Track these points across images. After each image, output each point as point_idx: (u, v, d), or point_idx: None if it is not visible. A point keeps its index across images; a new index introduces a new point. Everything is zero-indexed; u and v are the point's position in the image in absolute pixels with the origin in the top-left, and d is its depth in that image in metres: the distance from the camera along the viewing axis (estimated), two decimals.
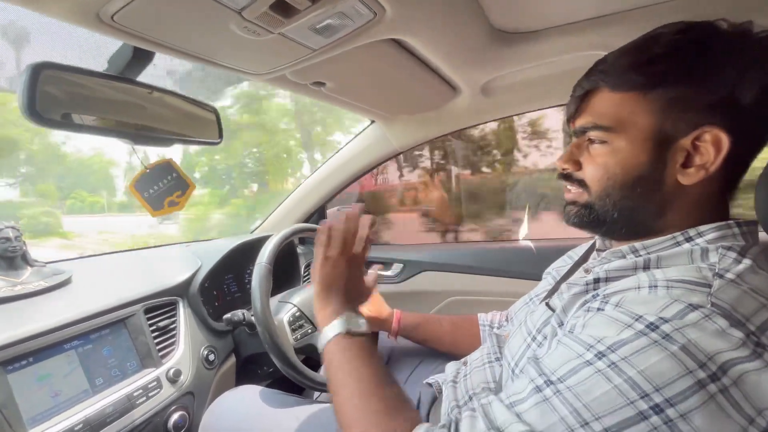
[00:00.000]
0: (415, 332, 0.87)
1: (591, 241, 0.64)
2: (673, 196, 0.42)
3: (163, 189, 0.66)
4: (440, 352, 0.87)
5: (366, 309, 0.87)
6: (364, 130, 1.25)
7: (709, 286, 0.35)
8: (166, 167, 0.68)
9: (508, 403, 0.38)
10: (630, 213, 0.44)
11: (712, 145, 0.39)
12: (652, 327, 0.33)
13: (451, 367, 0.75)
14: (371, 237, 0.61)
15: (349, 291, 0.59)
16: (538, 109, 1.05)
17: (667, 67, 0.40)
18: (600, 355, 0.34)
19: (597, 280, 0.45)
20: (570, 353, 0.37)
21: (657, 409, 0.31)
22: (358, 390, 0.48)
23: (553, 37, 0.73)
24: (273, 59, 0.63)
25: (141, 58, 0.60)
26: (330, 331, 0.54)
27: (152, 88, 0.66)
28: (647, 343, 0.33)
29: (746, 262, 0.37)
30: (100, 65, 0.62)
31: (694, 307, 0.33)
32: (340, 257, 0.58)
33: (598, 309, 0.39)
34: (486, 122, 1.14)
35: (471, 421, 0.39)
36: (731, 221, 0.41)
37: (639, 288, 0.38)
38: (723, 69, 0.38)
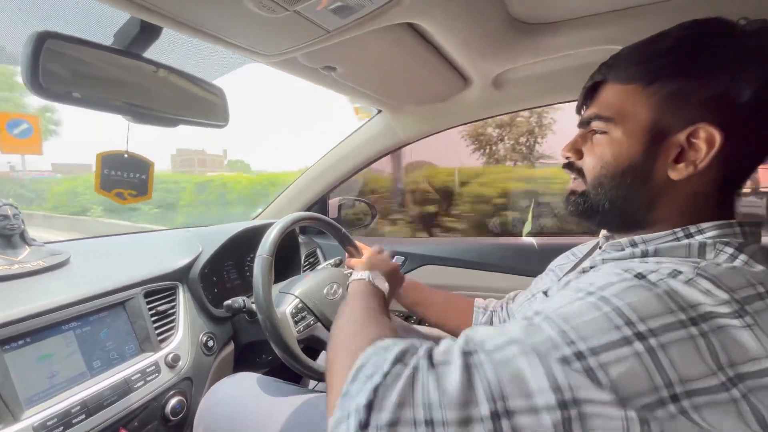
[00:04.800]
0: (409, 292, 0.88)
1: (595, 240, 0.64)
2: (663, 190, 0.43)
3: (123, 179, 0.65)
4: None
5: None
6: (370, 119, 1.23)
7: (697, 262, 0.36)
8: (142, 166, 0.67)
9: (496, 331, 0.37)
10: (621, 203, 0.45)
11: (704, 142, 0.39)
12: (639, 276, 0.35)
13: None
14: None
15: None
16: (550, 104, 1.04)
17: (667, 61, 0.41)
18: (589, 293, 0.35)
19: (592, 267, 0.46)
20: (560, 298, 0.37)
21: (640, 336, 0.31)
22: (353, 321, 0.52)
23: (571, 30, 0.72)
24: (286, 40, 0.61)
25: (148, 33, 0.58)
26: (358, 274, 0.67)
27: (158, 65, 0.64)
28: (635, 284, 0.34)
29: (742, 257, 0.37)
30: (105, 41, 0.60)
31: (680, 271, 0.34)
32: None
33: (589, 270, 0.43)
34: (494, 116, 1.13)
35: (450, 340, 0.37)
36: (734, 221, 0.41)
37: (631, 261, 0.41)
38: (720, 65, 0.39)
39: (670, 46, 0.42)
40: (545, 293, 0.55)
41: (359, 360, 0.37)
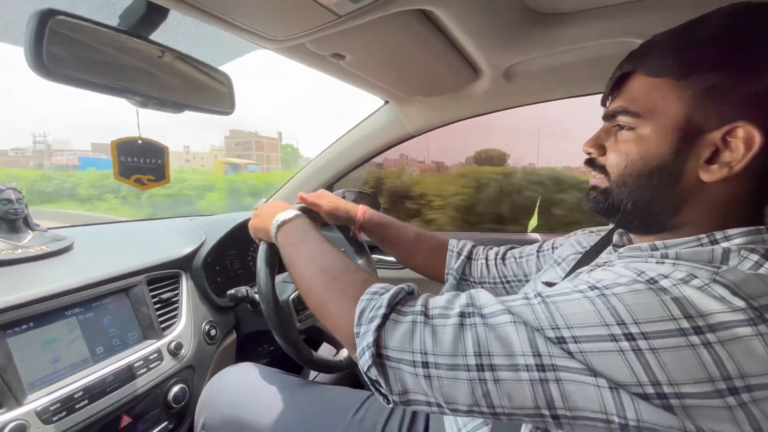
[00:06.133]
0: (378, 229, 0.85)
1: (603, 229, 0.62)
2: (691, 193, 0.40)
3: (140, 165, 0.65)
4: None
5: (325, 202, 0.87)
6: (377, 110, 1.21)
7: (718, 268, 0.34)
8: (157, 151, 0.66)
9: (498, 300, 0.40)
10: (645, 204, 0.42)
11: (742, 143, 0.36)
12: (651, 281, 0.34)
13: None
14: None
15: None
16: (560, 98, 1.02)
17: (705, 53, 0.37)
18: (593, 288, 0.35)
19: (606, 262, 0.44)
20: (565, 285, 0.38)
21: (629, 336, 0.31)
22: (314, 267, 0.53)
23: (587, 21, 0.70)
24: (295, 24, 0.60)
25: (154, 14, 0.57)
26: (273, 227, 0.63)
27: (164, 49, 0.62)
28: (641, 288, 0.33)
29: (767, 266, 0.34)
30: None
31: (696, 276, 0.33)
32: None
33: (603, 266, 0.42)
34: (504, 109, 1.11)
35: (452, 296, 0.41)
36: (763, 227, 0.38)
37: (647, 262, 0.39)
38: (766, 58, 0.35)
39: (710, 35, 0.37)
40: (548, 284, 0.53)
41: (359, 307, 0.43)
